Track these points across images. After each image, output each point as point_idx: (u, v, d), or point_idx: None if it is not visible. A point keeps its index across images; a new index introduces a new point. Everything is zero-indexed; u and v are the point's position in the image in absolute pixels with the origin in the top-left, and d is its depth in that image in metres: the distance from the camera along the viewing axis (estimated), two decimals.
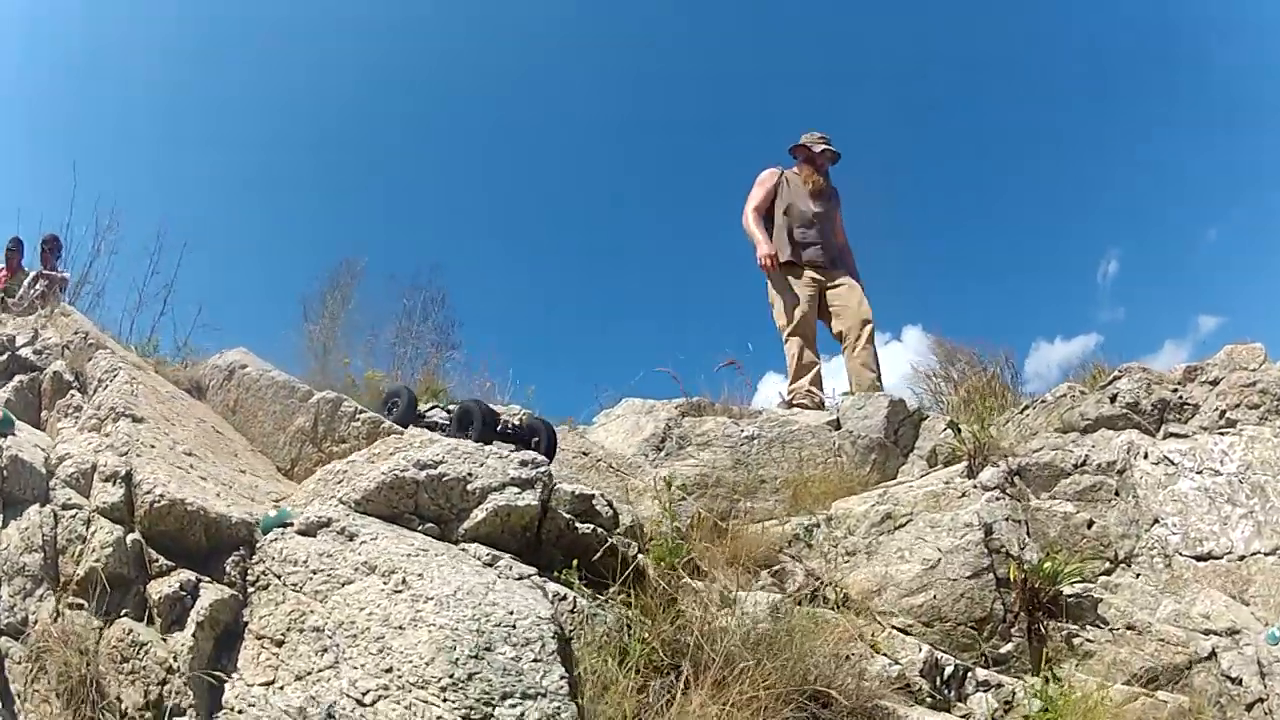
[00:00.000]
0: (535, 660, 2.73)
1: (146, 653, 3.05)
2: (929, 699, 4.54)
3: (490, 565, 3.25)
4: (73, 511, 3.57)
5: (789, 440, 6.90)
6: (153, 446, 3.84)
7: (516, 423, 5.45)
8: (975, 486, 6.02)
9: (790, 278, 8.36)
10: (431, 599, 2.85)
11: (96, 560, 3.31)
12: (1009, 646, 5.13)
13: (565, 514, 3.71)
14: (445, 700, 2.57)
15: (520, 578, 3.20)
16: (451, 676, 2.61)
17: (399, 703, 2.64)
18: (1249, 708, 5.35)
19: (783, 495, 6.28)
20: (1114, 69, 34.04)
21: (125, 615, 3.21)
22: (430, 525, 3.46)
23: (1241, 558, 6.52)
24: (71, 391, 4.89)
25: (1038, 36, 34.03)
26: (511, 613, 2.83)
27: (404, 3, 31.89)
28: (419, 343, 7.70)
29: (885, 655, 4.66)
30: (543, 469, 3.70)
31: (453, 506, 3.52)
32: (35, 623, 3.41)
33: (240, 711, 2.89)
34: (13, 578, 3.57)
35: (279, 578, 3.17)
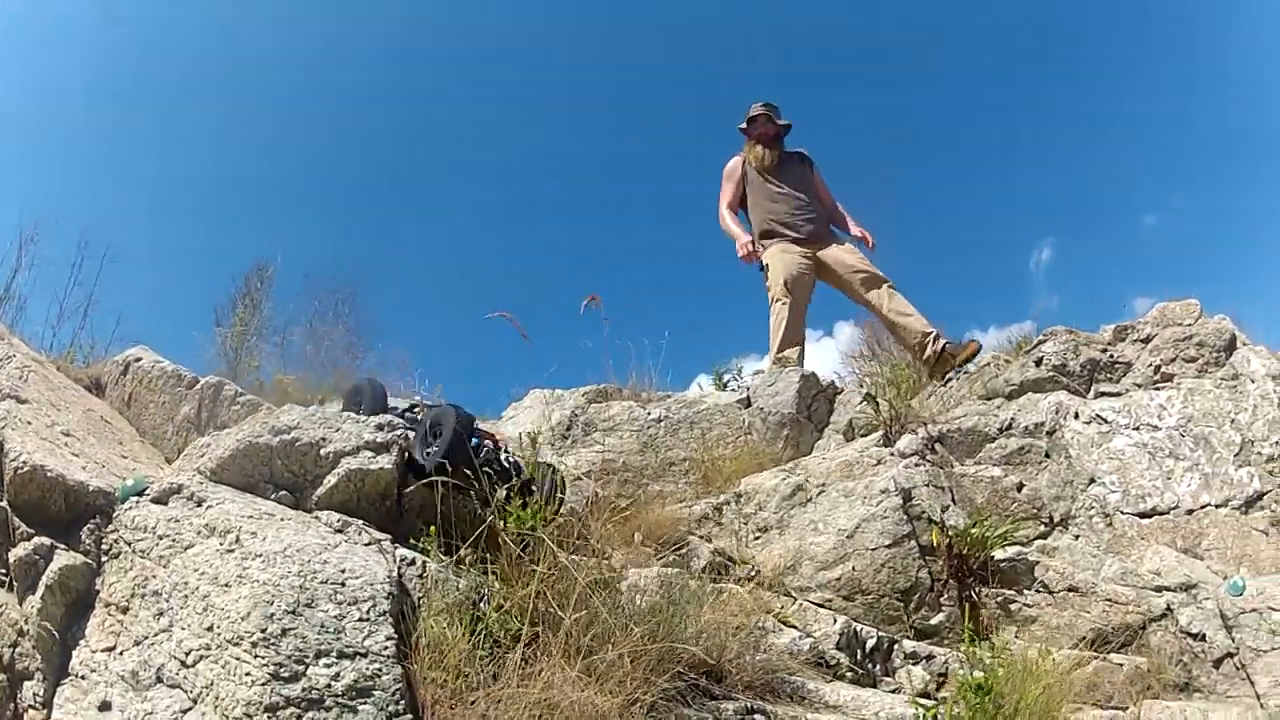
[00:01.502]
0: (361, 620, 2.66)
1: (3, 613, 3.05)
2: (849, 674, 4.39)
3: (340, 531, 3.19)
4: None
5: (697, 421, 6.82)
6: (29, 423, 3.78)
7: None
8: (892, 454, 5.87)
9: (777, 249, 8.25)
10: (260, 556, 2.79)
11: None
12: (939, 617, 5.00)
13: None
14: (256, 656, 2.50)
15: (370, 543, 3.14)
16: (264, 632, 2.54)
17: (216, 661, 2.58)
18: (1217, 664, 5.26)
19: (692, 477, 6.20)
20: (1048, 57, 34.45)
21: None
22: (284, 493, 3.41)
23: (1190, 511, 6.48)
24: None
25: (967, 25, 34.46)
26: (343, 571, 2.77)
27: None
28: (330, 346, 7.55)
29: (795, 628, 4.49)
30: (399, 432, 3.62)
31: (306, 473, 3.47)
32: None
33: (82, 677, 2.86)
34: None
35: (129, 545, 3.12)
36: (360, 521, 3.27)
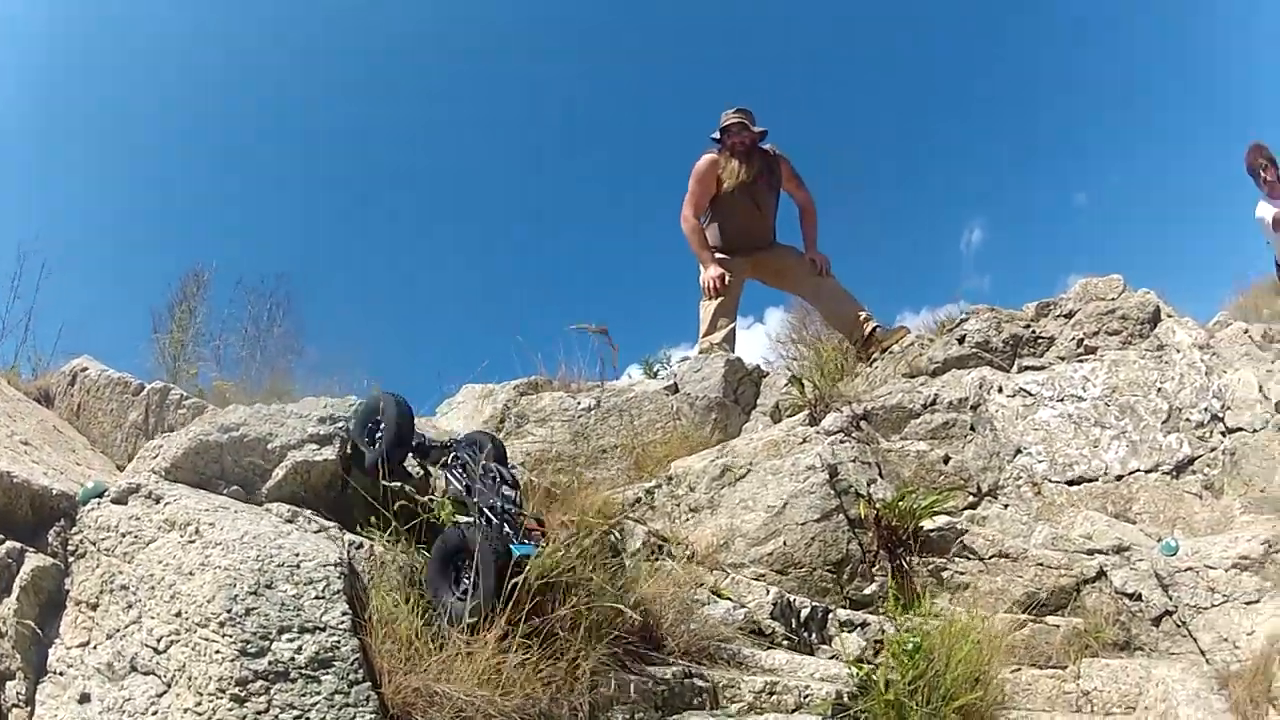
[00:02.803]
0: (317, 598, 2.94)
1: None
2: (785, 642, 4.60)
3: (290, 521, 3.45)
4: None
5: (626, 409, 7.01)
6: None
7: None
8: (817, 432, 6.07)
9: (724, 258, 8.45)
10: (219, 544, 3.06)
11: None
12: (872, 587, 5.24)
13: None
14: (224, 635, 2.78)
15: (319, 530, 3.42)
16: (229, 612, 2.82)
17: (186, 644, 2.85)
18: (1156, 621, 5.55)
19: (624, 463, 6.40)
20: (980, 37, 35.18)
21: None
22: (236, 488, 3.66)
23: (1119, 478, 6.80)
24: None
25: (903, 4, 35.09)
26: (297, 554, 3.05)
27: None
28: (267, 349, 7.77)
29: (730, 600, 4.71)
30: (341, 424, 3.88)
31: (255, 467, 3.73)
32: None
33: (60, 673, 3.09)
34: None
35: (94, 544, 3.35)
36: (309, 511, 3.56)
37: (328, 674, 2.78)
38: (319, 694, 2.75)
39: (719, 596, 4.67)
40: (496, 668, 2.93)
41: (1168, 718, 4.89)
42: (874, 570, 5.32)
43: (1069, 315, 7.85)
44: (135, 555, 3.22)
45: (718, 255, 8.43)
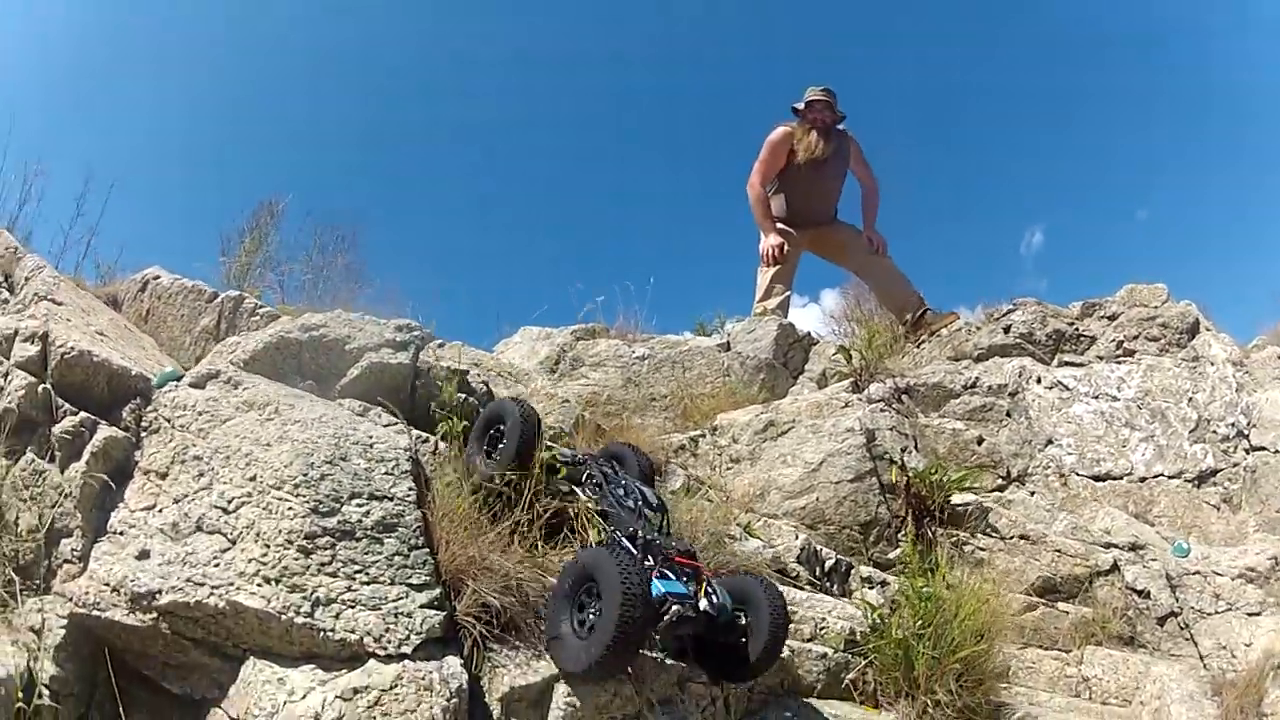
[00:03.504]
0: (386, 473, 3.22)
1: (44, 480, 3.48)
2: (808, 585, 4.76)
3: (362, 414, 3.71)
4: None
5: (679, 361, 7.22)
6: (69, 320, 4.28)
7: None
8: (860, 399, 6.25)
9: (786, 228, 8.70)
10: (298, 422, 3.34)
11: (10, 403, 3.68)
12: (896, 552, 5.37)
13: (440, 383, 4.14)
14: (298, 496, 3.05)
15: (389, 425, 3.67)
16: (305, 476, 3.10)
17: (258, 505, 3.11)
18: (1161, 621, 5.64)
19: (672, 412, 6.59)
20: (1056, 48, 35.31)
21: (30, 451, 3.60)
22: (310, 383, 3.93)
23: (1143, 479, 6.87)
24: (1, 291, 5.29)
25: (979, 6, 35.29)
26: (371, 436, 3.34)
27: None
28: (329, 280, 8.00)
29: (760, 539, 4.91)
30: (417, 333, 4.12)
31: (331, 366, 4.00)
32: None
33: (120, 533, 3.32)
34: None
35: (169, 421, 3.60)
36: (380, 407, 3.79)
37: (390, 537, 3.05)
38: (380, 553, 3.03)
39: (750, 535, 4.85)
40: (543, 551, 3.20)
41: (1161, 715, 5.00)
42: (899, 535, 5.45)
43: (1112, 317, 7.98)
44: (211, 431, 3.48)
45: (779, 225, 8.67)
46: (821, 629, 4.16)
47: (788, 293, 8.67)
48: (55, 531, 3.42)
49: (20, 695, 2.89)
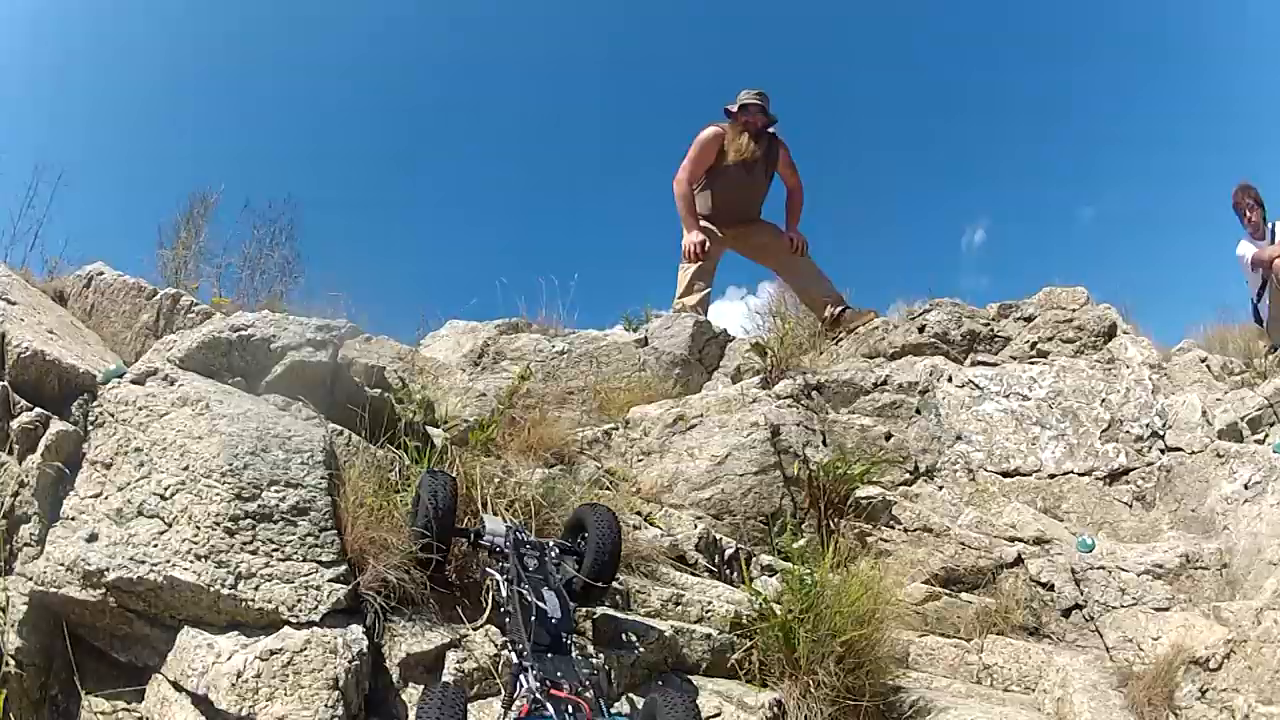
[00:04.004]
0: (302, 463, 3.88)
1: (5, 470, 4.11)
2: (706, 573, 5.27)
3: (284, 408, 4.33)
4: None
5: (596, 355, 7.84)
6: (23, 320, 4.87)
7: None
8: (768, 395, 6.79)
9: (709, 225, 9.34)
10: (225, 416, 3.97)
11: None
12: (800, 542, 5.82)
13: (357, 379, 4.81)
14: (224, 483, 3.71)
15: (308, 418, 4.30)
16: (230, 466, 3.75)
17: (190, 491, 3.75)
18: (1066, 613, 6.10)
19: (590, 405, 7.13)
20: (1004, 45, 36.15)
21: None
22: (238, 379, 4.52)
23: (1052, 475, 7.39)
24: None
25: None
26: (289, 430, 3.99)
27: None
28: (264, 272, 8.56)
29: (659, 528, 5.44)
30: (336, 333, 4.75)
31: (258, 363, 4.59)
32: None
33: (72, 518, 3.91)
34: None
35: (113, 416, 4.19)
36: (301, 402, 4.42)
37: (304, 520, 3.70)
38: (294, 534, 3.68)
39: (650, 523, 5.41)
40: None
41: (1063, 703, 5.27)
42: (803, 526, 5.98)
43: (1028, 319, 8.56)
44: (149, 425, 4.08)
45: (702, 223, 9.30)
46: (708, 612, 4.70)
47: (708, 289, 9.26)
48: (15, 518, 4.03)
49: None
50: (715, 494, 6.06)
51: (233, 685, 3.32)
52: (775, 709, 4.43)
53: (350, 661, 3.42)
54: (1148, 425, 7.66)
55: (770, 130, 9.53)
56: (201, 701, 3.41)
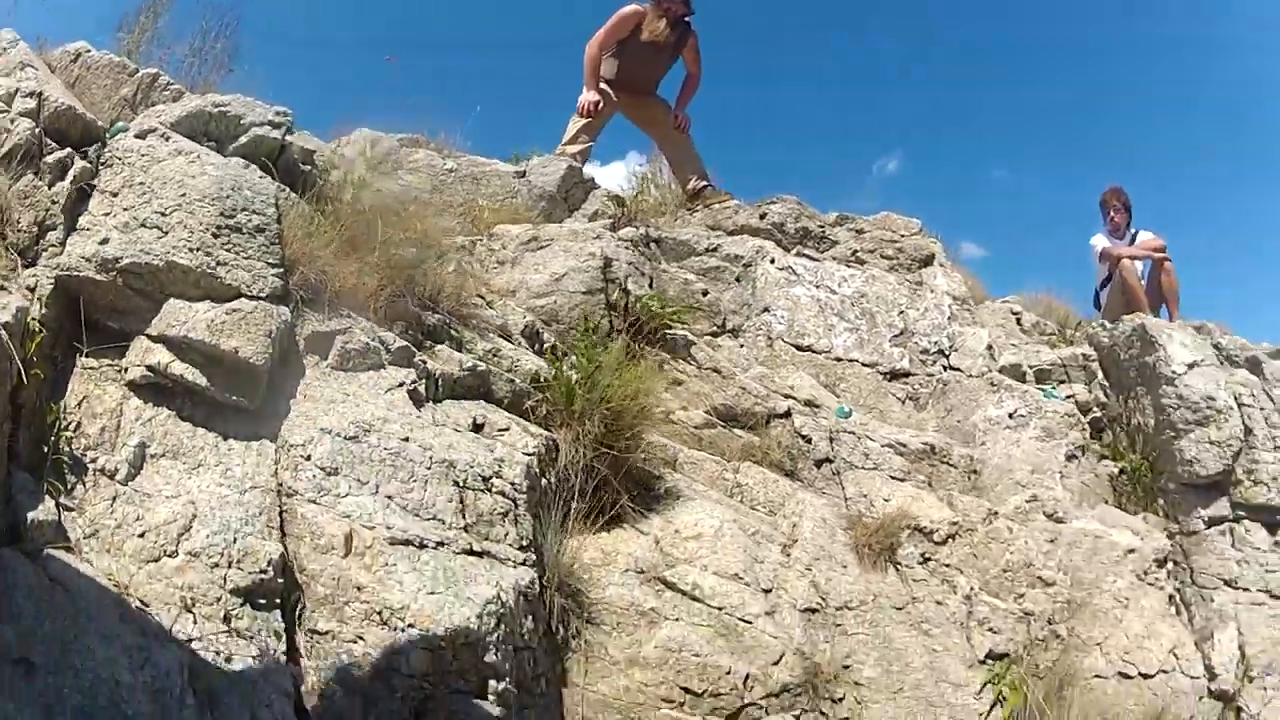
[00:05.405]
0: (263, 201, 6.36)
1: (40, 192, 5.79)
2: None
3: (246, 169, 6.87)
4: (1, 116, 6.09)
5: (480, 178, 10.18)
6: (48, 83, 7.06)
7: None
8: (612, 236, 8.97)
9: (606, 88, 11.77)
10: (213, 164, 6.49)
11: (17, 141, 5.88)
12: (602, 350, 7.47)
13: (296, 156, 7.51)
14: (213, 205, 6.17)
15: (263, 177, 6.85)
16: (218, 193, 6.25)
17: (185, 210, 6.19)
18: (818, 464, 7.90)
19: (464, 219, 9.34)
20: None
21: (29, 174, 5.86)
22: (212, 144, 7.10)
23: (839, 359, 9.38)
24: None
25: None
26: (253, 180, 6.58)
27: None
28: (205, 64, 10.07)
29: (495, 311, 7.79)
30: (289, 118, 7.34)
31: (229, 133, 7.21)
32: None
33: (88, 229, 5.56)
34: None
35: (120, 160, 6.04)
36: (258, 166, 7.00)
37: (261, 235, 6.35)
38: (254, 243, 6.27)
39: (489, 306, 7.83)
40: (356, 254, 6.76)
41: (797, 529, 6.92)
42: (613, 343, 7.74)
43: (860, 231, 10.74)
44: (150, 167, 6.35)
45: (601, 85, 11.68)
46: (516, 365, 7.14)
47: (590, 143, 11.65)
48: (44, 227, 5.67)
49: (28, 321, 5.02)
50: (548, 303, 8.28)
51: (207, 327, 5.64)
52: (551, 444, 6.58)
53: (279, 322, 5.79)
54: (935, 343, 9.67)
55: (687, 20, 11.83)
56: (177, 343, 5.45)
